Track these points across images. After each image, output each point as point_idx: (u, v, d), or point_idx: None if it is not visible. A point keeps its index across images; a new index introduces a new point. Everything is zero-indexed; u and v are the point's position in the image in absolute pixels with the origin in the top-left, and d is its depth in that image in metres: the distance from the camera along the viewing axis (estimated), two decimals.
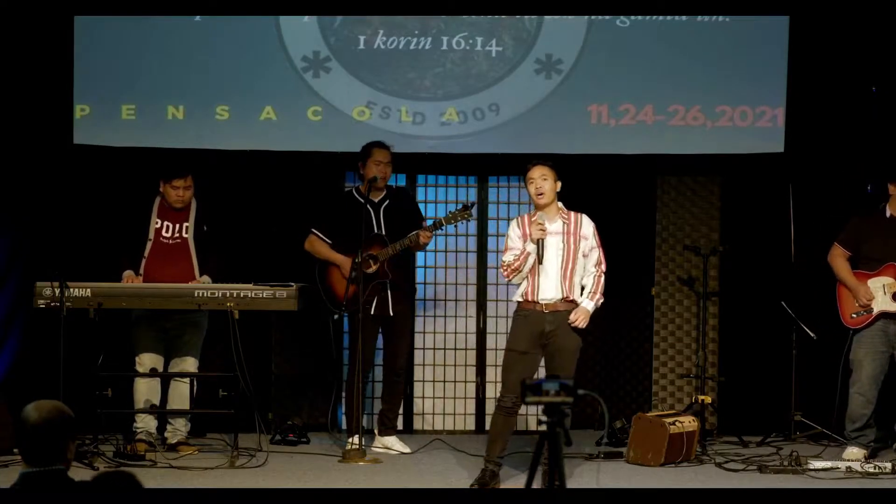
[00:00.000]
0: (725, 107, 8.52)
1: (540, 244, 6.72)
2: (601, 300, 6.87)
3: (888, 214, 7.70)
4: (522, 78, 8.51)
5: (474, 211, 8.08)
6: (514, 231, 6.86)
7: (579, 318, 6.75)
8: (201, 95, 8.45)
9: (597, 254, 6.87)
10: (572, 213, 6.89)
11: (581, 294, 6.83)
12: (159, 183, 7.73)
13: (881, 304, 7.60)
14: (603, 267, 6.88)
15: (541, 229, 6.72)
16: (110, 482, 3.68)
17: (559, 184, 6.82)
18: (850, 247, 7.76)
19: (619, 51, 8.50)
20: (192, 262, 7.71)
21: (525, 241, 6.78)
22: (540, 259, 6.73)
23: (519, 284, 6.86)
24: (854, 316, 7.68)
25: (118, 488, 3.64)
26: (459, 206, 7.79)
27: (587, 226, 6.86)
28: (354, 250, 7.61)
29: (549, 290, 6.76)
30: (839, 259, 7.77)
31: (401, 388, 8.11)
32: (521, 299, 6.83)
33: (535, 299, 6.76)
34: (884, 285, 7.60)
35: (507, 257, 6.82)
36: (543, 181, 6.78)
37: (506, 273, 6.83)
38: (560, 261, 6.77)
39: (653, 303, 8.82)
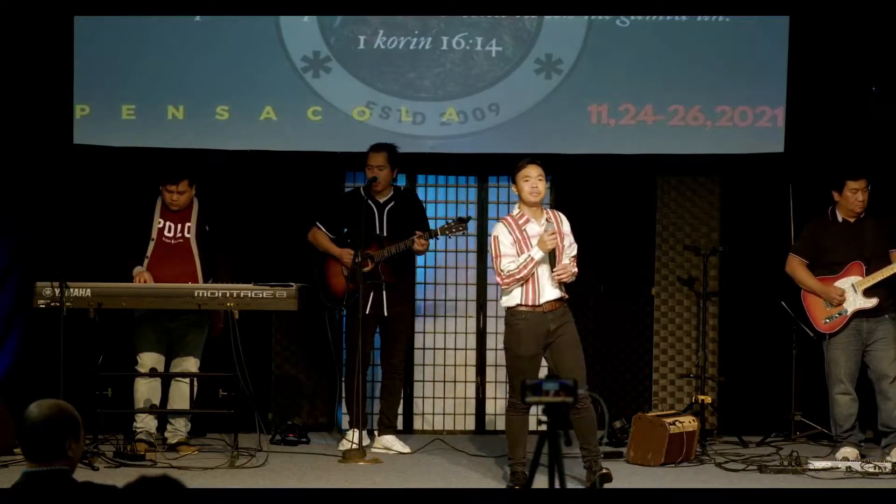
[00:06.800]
0: (725, 107, 8.52)
1: (553, 253, 6.70)
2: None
3: (840, 219, 7.74)
4: (522, 78, 8.50)
5: (471, 225, 8.12)
6: (505, 237, 6.76)
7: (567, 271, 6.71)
8: (201, 95, 8.45)
9: (575, 247, 6.88)
10: (549, 211, 6.91)
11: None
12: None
13: (853, 303, 7.62)
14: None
15: (554, 239, 6.69)
16: (151, 487, 3.45)
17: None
18: (807, 255, 7.80)
19: (619, 51, 8.50)
20: (194, 262, 7.71)
21: (517, 247, 6.71)
22: (553, 266, 6.70)
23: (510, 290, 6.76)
24: (827, 321, 7.69)
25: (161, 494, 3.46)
26: (456, 219, 7.79)
27: (566, 223, 6.89)
28: (354, 248, 7.64)
29: (548, 291, 6.73)
30: (800, 268, 7.79)
31: (398, 388, 8.10)
32: (517, 303, 6.74)
33: (537, 302, 6.71)
34: (852, 284, 7.63)
35: (508, 265, 6.70)
36: (540, 181, 6.81)
37: (507, 281, 6.69)
38: (554, 261, 6.76)
39: (653, 303, 8.82)
